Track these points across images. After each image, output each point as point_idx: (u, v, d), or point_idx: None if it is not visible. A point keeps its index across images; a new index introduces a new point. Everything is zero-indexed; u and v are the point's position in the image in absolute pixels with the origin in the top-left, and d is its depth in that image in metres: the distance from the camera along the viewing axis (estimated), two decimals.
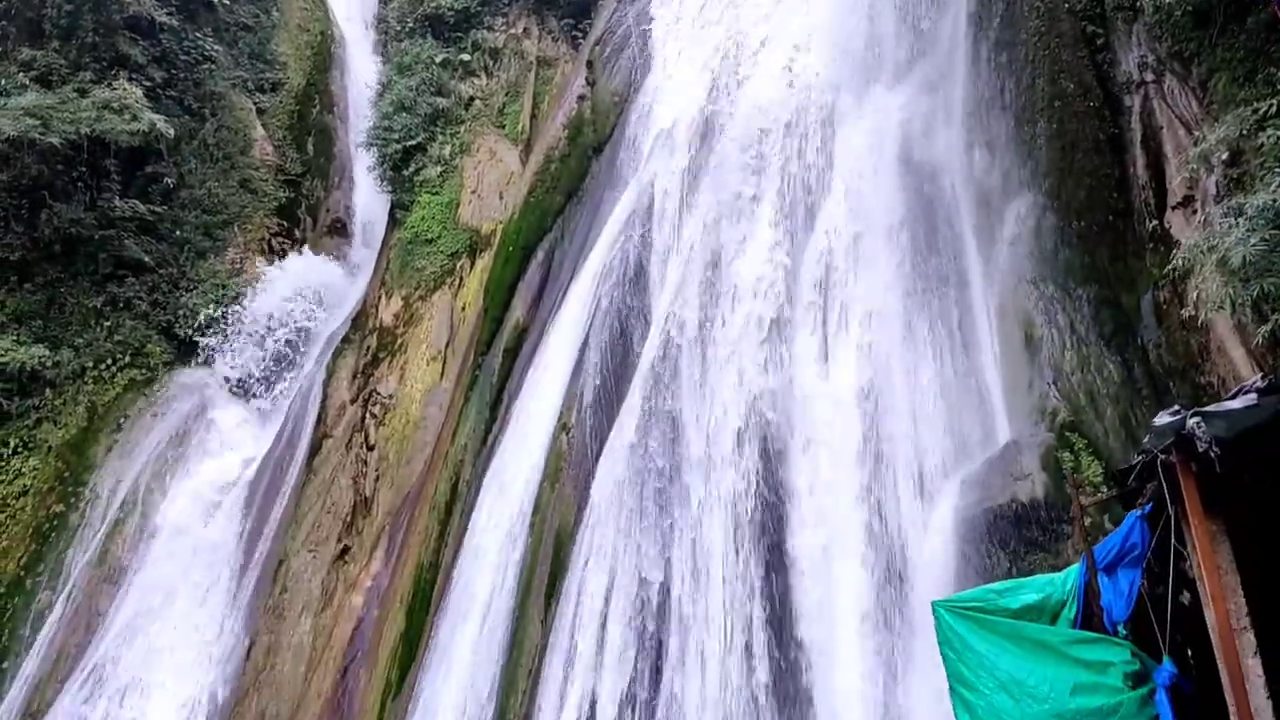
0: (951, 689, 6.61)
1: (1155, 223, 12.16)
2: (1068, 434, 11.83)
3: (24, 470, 18.28)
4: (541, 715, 12.80)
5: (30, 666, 16.41)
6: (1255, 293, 9.16)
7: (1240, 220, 9.37)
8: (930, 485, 12.38)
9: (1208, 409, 5.61)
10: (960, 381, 13.04)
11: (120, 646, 16.29)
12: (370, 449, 18.47)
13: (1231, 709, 5.61)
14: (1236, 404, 5.52)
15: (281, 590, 16.97)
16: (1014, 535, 11.42)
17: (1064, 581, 6.60)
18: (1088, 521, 7.36)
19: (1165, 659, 6.11)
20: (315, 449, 18.72)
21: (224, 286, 20.86)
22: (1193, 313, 10.36)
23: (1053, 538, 11.27)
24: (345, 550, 17.37)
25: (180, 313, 20.36)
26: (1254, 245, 8.97)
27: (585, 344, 16.10)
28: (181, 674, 16.02)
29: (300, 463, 18.59)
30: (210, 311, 20.33)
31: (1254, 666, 6.00)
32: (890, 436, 12.89)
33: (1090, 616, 6.53)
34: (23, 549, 17.75)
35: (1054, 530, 11.31)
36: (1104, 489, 10.63)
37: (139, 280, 20.40)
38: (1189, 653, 6.49)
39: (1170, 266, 10.63)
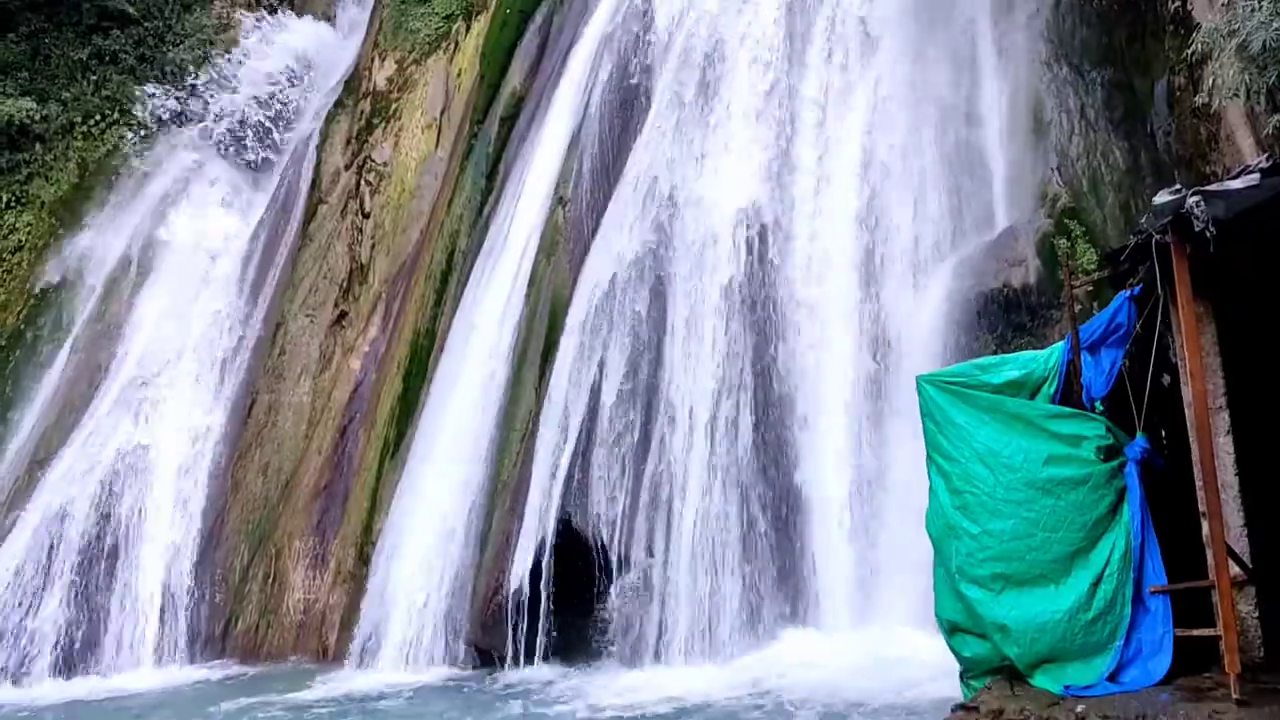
0: (929, 458, 6.85)
1: (1177, 4, 11.71)
2: (1066, 220, 11.81)
3: (18, 225, 18.23)
4: (534, 477, 13.31)
5: (35, 417, 16.92)
6: (1271, 80, 8.94)
7: (1263, 4, 9.02)
8: (924, 266, 12.45)
9: (1208, 188, 5.56)
10: (962, 162, 12.90)
11: (122, 401, 16.72)
12: (366, 216, 18.39)
13: (1200, 484, 5.84)
14: (1237, 184, 5.48)
15: (280, 352, 17.30)
16: (1002, 320, 11.59)
17: (1047, 359, 6.73)
18: (1077, 308, 7.45)
19: (1139, 434, 6.33)
20: (310, 214, 18.65)
21: (211, 42, 20.21)
22: (1206, 100, 10.11)
23: (1040, 323, 11.44)
24: (342, 315, 17.59)
25: (168, 68, 19.81)
26: (1275, 30, 8.67)
27: (584, 114, 15.77)
28: (183, 429, 16.53)
29: (295, 228, 18.56)
30: (198, 67, 19.77)
31: (1225, 444, 6.23)
32: (887, 211, 12.84)
33: (1070, 394, 6.70)
34: (22, 303, 17.98)
35: (1042, 316, 11.47)
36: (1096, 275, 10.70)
37: (124, 33, 19.76)
38: (1163, 433, 6.72)
39: (1188, 50, 10.31)
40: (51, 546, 15.40)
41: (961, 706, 6.04)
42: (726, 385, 12.68)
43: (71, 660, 14.78)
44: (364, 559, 14.81)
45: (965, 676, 6.55)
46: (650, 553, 12.28)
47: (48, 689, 14.15)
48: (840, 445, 12.05)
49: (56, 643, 14.83)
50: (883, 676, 9.31)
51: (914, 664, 9.23)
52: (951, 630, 6.54)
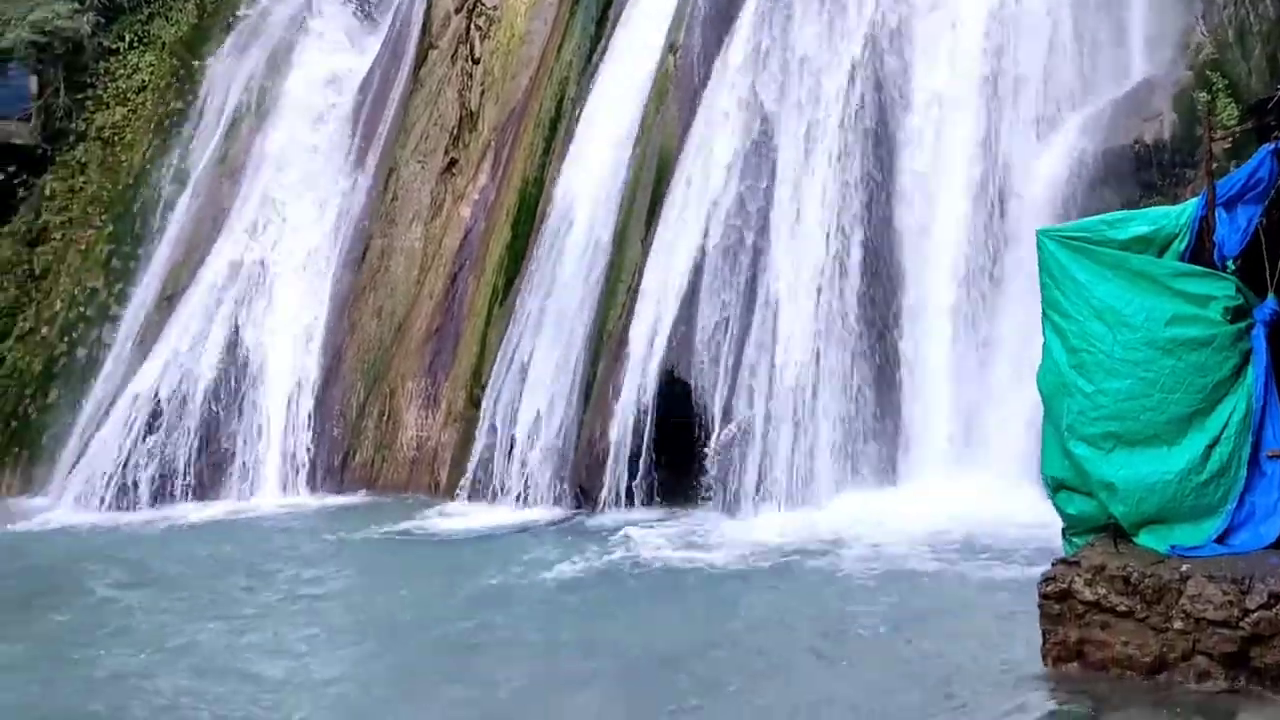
0: (1044, 314, 6.70)
1: None
2: (1208, 73, 11.14)
3: (141, 65, 18.61)
4: (638, 328, 13.47)
5: (164, 254, 17.64)
6: None
7: None
8: (1051, 119, 11.92)
9: None
10: (1099, 10, 12.16)
11: (244, 242, 17.29)
12: (475, 62, 18.28)
13: None
14: None
15: (392, 198, 17.58)
16: (1131, 178, 11.12)
17: (1179, 215, 6.45)
18: (1214, 166, 7.08)
19: (1270, 296, 6.09)
20: (421, 60, 18.60)
21: None
22: None
23: (1172, 182, 10.94)
24: (452, 163, 17.71)
25: None
26: None
27: None
28: (303, 268, 17.08)
29: (407, 73, 18.56)
30: None
31: None
32: (1015, 59, 12.24)
33: (1201, 252, 6.44)
34: (146, 142, 18.54)
35: (1175, 174, 10.96)
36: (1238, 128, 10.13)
37: None
38: None
39: None
40: (182, 379, 16.26)
41: (1063, 561, 6.07)
42: (835, 238, 12.51)
43: (203, 485, 15.77)
44: (473, 401, 15.29)
45: (1068, 533, 6.54)
46: (751, 404, 12.41)
47: (183, 510, 15.17)
48: (949, 300, 11.86)
49: (189, 468, 15.81)
50: (980, 530, 9.37)
51: (1012, 520, 9.27)
52: (1057, 487, 6.52)
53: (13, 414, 17.31)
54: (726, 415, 12.41)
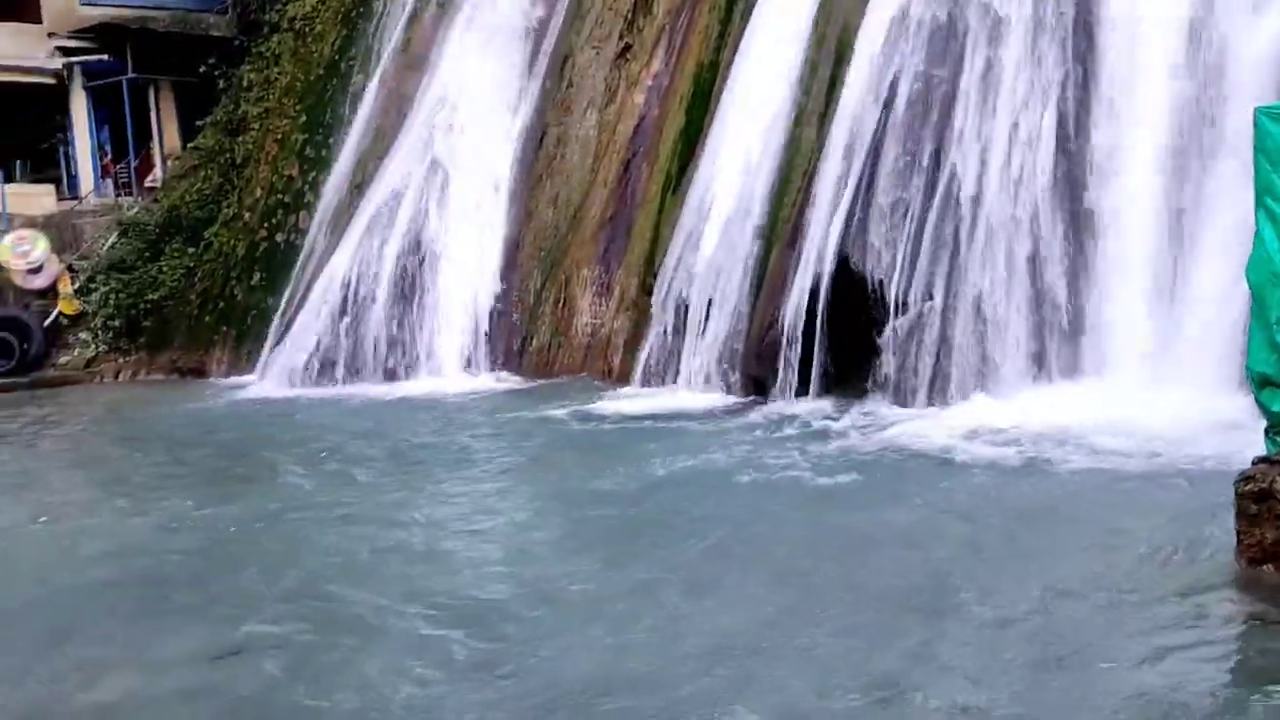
0: (1258, 200, 6.26)
1: None
2: None
3: None
4: (814, 215, 13.26)
5: (353, 143, 18.35)
6: None
7: None
8: None
9: None
10: None
11: (426, 131, 17.78)
12: None
13: None
14: None
15: (567, 85, 17.67)
16: None
17: None
18: None
19: None
20: None
21: None
22: None
23: None
24: (627, 48, 17.58)
25: None
26: None
27: None
28: (482, 155, 17.48)
29: None
30: None
31: None
32: None
33: None
34: (335, 33, 19.14)
35: None
36: None
37: None
38: None
39: None
40: (371, 264, 17.06)
41: (1264, 459, 5.79)
42: (1025, 121, 11.90)
43: (391, 366, 16.66)
44: (646, 289, 15.48)
45: (1271, 432, 6.22)
46: (930, 294, 12.11)
47: (373, 389, 16.10)
48: (1150, 183, 11.14)
49: (378, 349, 16.72)
50: (1175, 428, 8.97)
51: (1210, 419, 8.84)
52: (1262, 384, 6.18)
53: (220, 295, 18.60)
54: (904, 305, 12.15)
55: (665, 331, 14.56)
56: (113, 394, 17.51)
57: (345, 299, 16.96)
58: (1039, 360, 11.48)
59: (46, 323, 18.79)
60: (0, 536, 8.95)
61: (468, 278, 17.05)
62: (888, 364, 12.10)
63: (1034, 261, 11.71)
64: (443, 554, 7.79)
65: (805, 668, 5.38)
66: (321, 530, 8.52)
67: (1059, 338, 11.49)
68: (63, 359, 18.85)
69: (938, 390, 11.65)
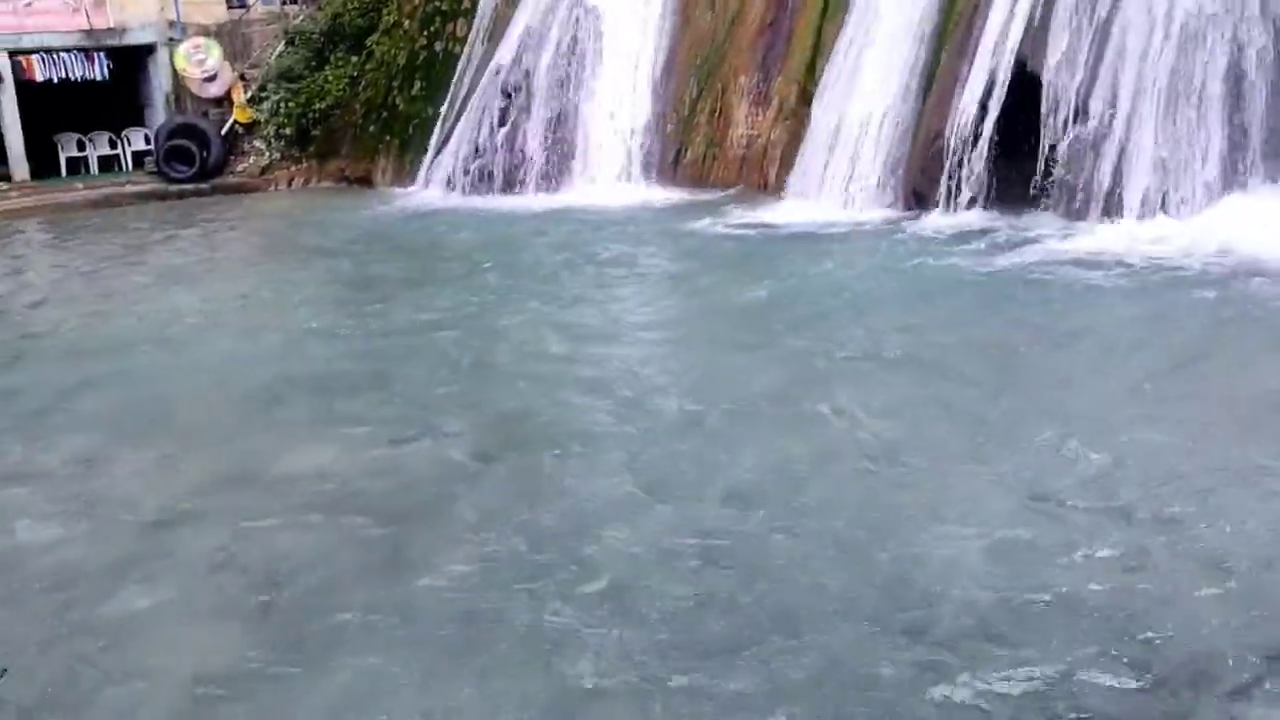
0: None
1: None
2: None
3: None
4: (989, 15, 12.53)
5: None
6: None
7: None
8: None
9: None
10: None
11: None
12: None
13: None
14: None
15: None
16: None
17: None
18: None
19: None
20: None
21: None
22: None
23: None
24: None
25: None
26: None
27: None
28: None
29: None
30: None
31: None
32: None
33: None
34: None
35: None
36: None
37: None
38: None
39: None
40: (528, 73, 17.03)
41: None
42: None
43: (549, 177, 16.83)
44: (805, 99, 15.05)
45: None
46: (1112, 104, 11.42)
47: (530, 198, 16.35)
48: None
49: (534, 159, 16.88)
50: None
51: None
52: None
53: (383, 105, 18.93)
54: (1081, 114, 11.51)
55: (823, 142, 14.20)
56: (285, 201, 18.28)
57: (503, 109, 17.07)
58: (1229, 177, 10.79)
59: (223, 130, 19.55)
60: (182, 327, 9.62)
61: (624, 89, 16.86)
62: (1061, 176, 11.59)
63: (1231, 72, 10.86)
64: (604, 355, 8.05)
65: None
66: (489, 333, 8.89)
67: (1253, 154, 10.75)
68: (240, 166, 19.68)
69: (1114, 205, 11.14)
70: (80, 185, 19.02)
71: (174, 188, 18.70)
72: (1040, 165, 11.85)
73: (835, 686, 3.74)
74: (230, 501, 5.59)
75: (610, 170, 16.68)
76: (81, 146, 20.31)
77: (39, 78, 19.00)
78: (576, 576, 4.60)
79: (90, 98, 19.75)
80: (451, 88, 18.06)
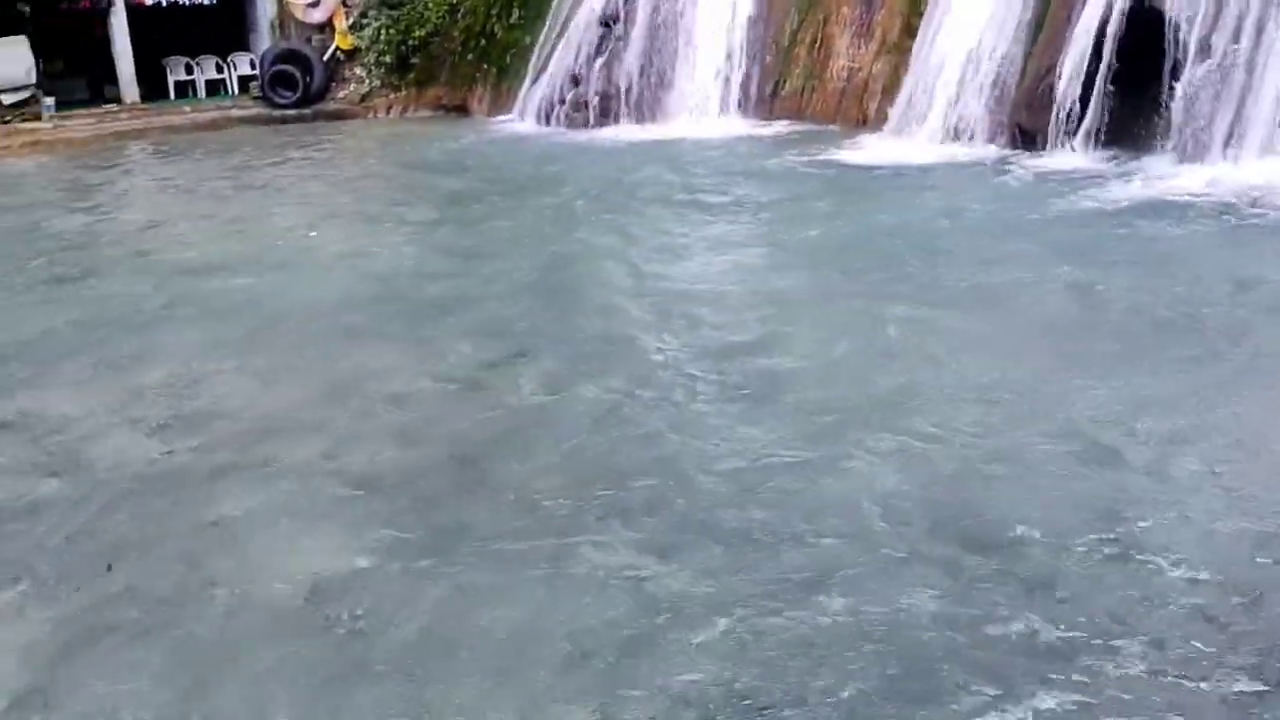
0: None
1: None
2: None
3: None
4: None
5: None
6: None
7: None
8: None
9: None
10: None
11: None
12: None
13: None
14: None
15: None
16: None
17: None
18: None
19: None
20: None
21: None
22: None
23: None
24: None
25: None
26: None
27: None
28: None
29: None
30: None
31: None
32: None
33: None
34: None
35: None
36: None
37: None
38: None
39: None
40: (626, 3, 16.84)
41: None
42: None
43: (644, 108, 16.72)
44: (909, 30, 14.63)
45: None
46: (1236, 39, 10.86)
47: (625, 130, 16.27)
48: None
49: (630, 90, 16.75)
50: None
51: None
52: None
53: (481, 33, 18.94)
54: (1204, 50, 10.96)
55: (927, 76, 13.81)
56: (383, 128, 18.49)
57: (600, 39, 16.94)
58: None
59: (325, 57, 19.79)
60: (283, 246, 9.85)
61: (722, 19, 16.57)
62: (1179, 115, 11.10)
63: None
64: (692, 284, 8.02)
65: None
66: (581, 260, 8.93)
67: None
68: (340, 93, 19.94)
69: (1235, 145, 10.65)
70: (188, 108, 19.51)
71: (277, 113, 19.07)
72: (1157, 103, 11.38)
73: None
74: (328, 415, 5.76)
75: (706, 102, 16.49)
76: (189, 70, 20.79)
77: (148, 2, 19.43)
78: (661, 497, 4.65)
79: (198, 23, 20.16)
80: (549, 17, 17.97)
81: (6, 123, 17.78)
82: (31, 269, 9.28)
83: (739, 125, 15.85)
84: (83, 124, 18.03)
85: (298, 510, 4.75)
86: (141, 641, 3.85)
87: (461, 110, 19.00)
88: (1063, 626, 3.64)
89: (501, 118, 18.06)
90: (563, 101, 17.04)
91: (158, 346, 6.99)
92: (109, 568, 4.32)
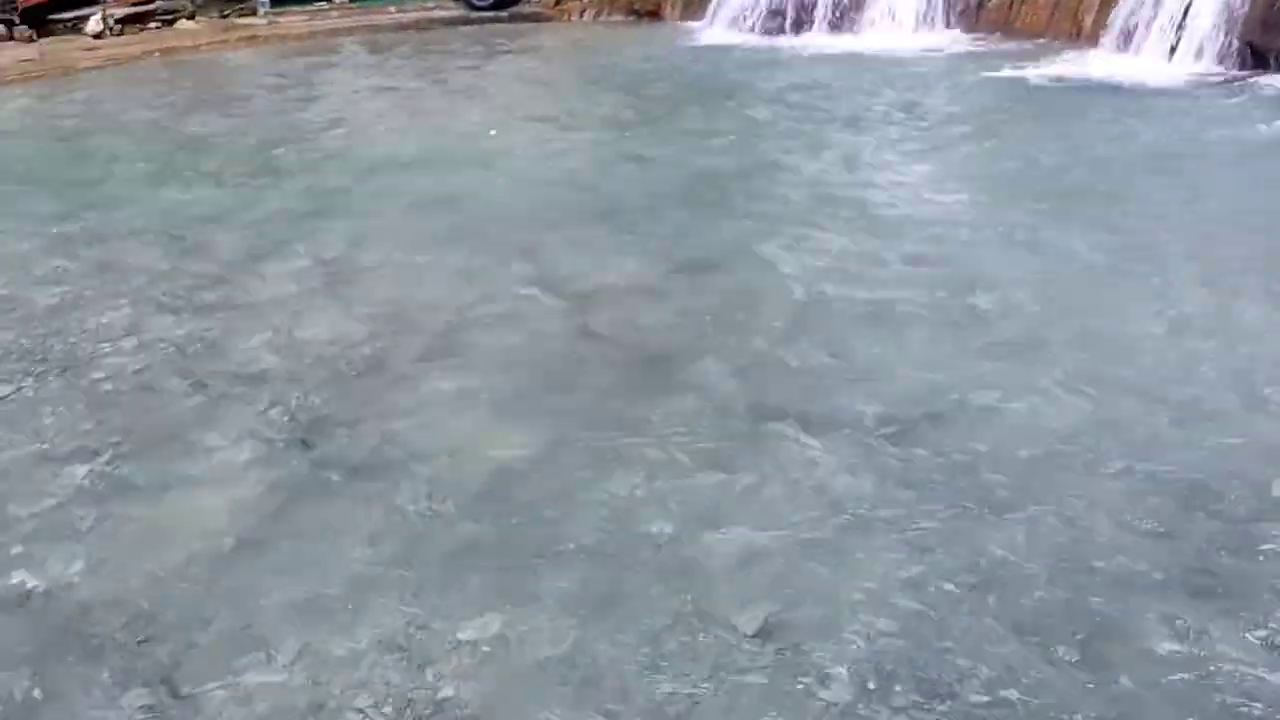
0: None
1: None
2: None
3: None
4: None
5: None
6: None
7: None
8: None
9: None
10: None
11: None
12: None
13: None
14: None
15: None
16: None
17: None
18: None
19: None
20: None
21: None
22: None
23: None
24: None
25: None
26: None
27: None
28: None
29: None
30: None
31: None
32: None
33: None
34: None
35: None
36: None
37: None
38: None
39: None
40: None
41: None
42: None
43: (842, 18, 16.19)
44: None
45: None
46: None
47: (822, 40, 15.83)
48: None
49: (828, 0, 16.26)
50: None
51: None
52: None
53: None
54: None
55: None
56: (577, 32, 18.56)
57: None
58: None
59: None
60: (482, 145, 10.06)
61: None
62: None
63: None
64: (888, 201, 7.85)
65: None
66: (771, 170, 8.82)
67: None
68: None
69: None
70: (393, 9, 20.07)
71: (475, 15, 19.41)
72: None
73: None
74: (520, 309, 5.98)
75: (907, 13, 15.83)
76: None
77: None
78: (847, 409, 4.65)
79: None
80: None
81: (225, 17, 18.78)
82: (244, 158, 9.84)
83: (941, 38, 15.17)
84: (295, 21, 18.84)
85: (491, 398, 4.99)
86: (345, 508, 4.17)
87: (654, 15, 18.86)
88: None
89: (693, 24, 17.83)
90: (758, 8, 16.68)
91: (361, 237, 7.35)
92: (306, 443, 4.66)
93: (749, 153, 9.34)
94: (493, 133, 10.52)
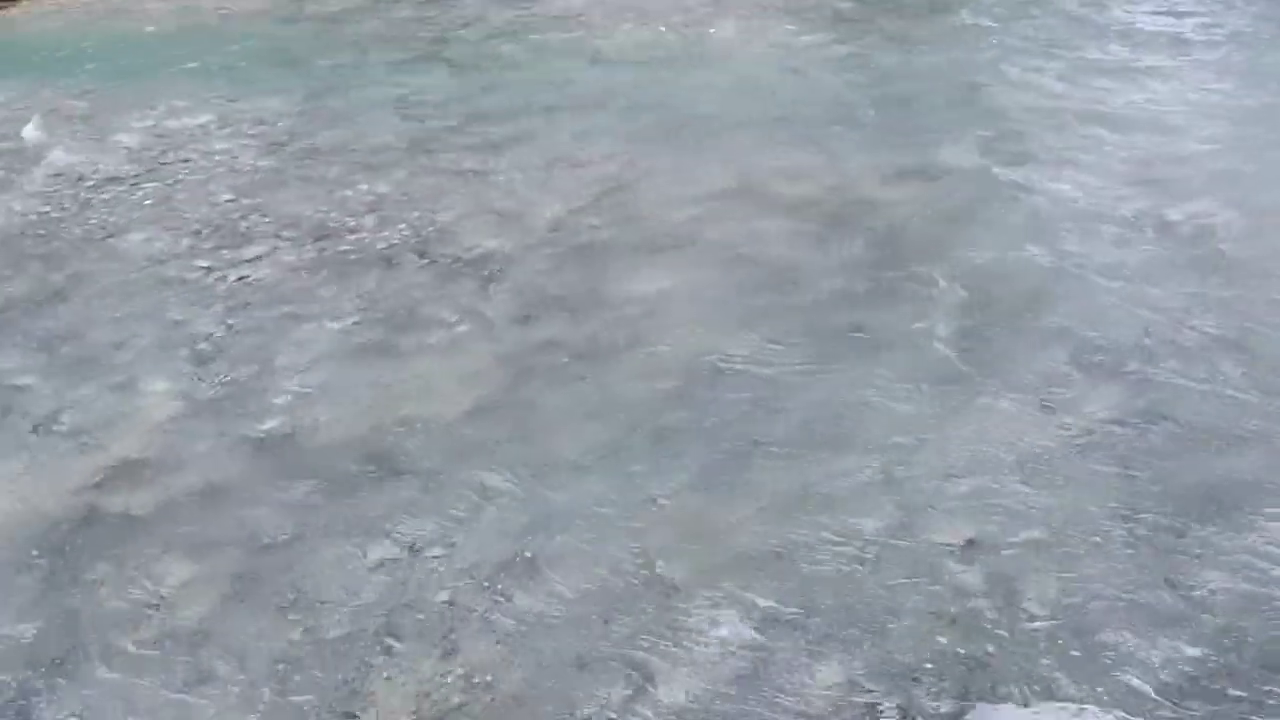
0: None
1: None
2: None
3: None
4: None
5: None
6: None
7: None
8: None
9: None
10: None
11: None
12: None
13: None
14: None
15: None
16: None
17: None
18: None
19: None
20: None
21: None
22: None
23: None
24: None
25: None
26: None
27: None
28: None
29: None
30: None
31: None
32: None
33: None
34: None
35: None
36: None
37: None
38: None
39: None
40: None
41: None
42: None
43: None
44: None
45: None
46: None
47: None
48: None
49: None
50: None
51: None
52: None
53: None
54: None
55: None
56: None
57: None
58: None
59: None
60: (699, 44, 9.89)
61: None
62: None
63: None
64: (1129, 121, 7.36)
65: None
66: (989, 78, 8.35)
67: None
68: None
69: None
70: None
71: None
72: None
73: None
74: (737, 208, 6.03)
75: None
76: None
77: None
78: (1063, 328, 4.54)
79: None
80: None
81: None
82: (470, 54, 10.01)
83: None
84: None
85: (714, 294, 5.11)
86: (563, 384, 4.41)
87: None
88: None
89: None
90: None
91: (586, 132, 7.47)
92: (531, 319, 4.92)
93: (961, 63, 8.70)
94: (712, 30, 10.35)
